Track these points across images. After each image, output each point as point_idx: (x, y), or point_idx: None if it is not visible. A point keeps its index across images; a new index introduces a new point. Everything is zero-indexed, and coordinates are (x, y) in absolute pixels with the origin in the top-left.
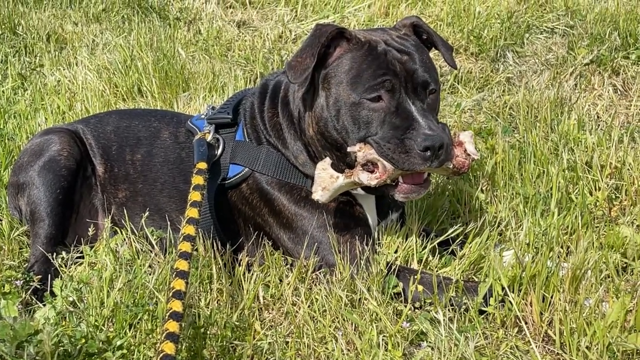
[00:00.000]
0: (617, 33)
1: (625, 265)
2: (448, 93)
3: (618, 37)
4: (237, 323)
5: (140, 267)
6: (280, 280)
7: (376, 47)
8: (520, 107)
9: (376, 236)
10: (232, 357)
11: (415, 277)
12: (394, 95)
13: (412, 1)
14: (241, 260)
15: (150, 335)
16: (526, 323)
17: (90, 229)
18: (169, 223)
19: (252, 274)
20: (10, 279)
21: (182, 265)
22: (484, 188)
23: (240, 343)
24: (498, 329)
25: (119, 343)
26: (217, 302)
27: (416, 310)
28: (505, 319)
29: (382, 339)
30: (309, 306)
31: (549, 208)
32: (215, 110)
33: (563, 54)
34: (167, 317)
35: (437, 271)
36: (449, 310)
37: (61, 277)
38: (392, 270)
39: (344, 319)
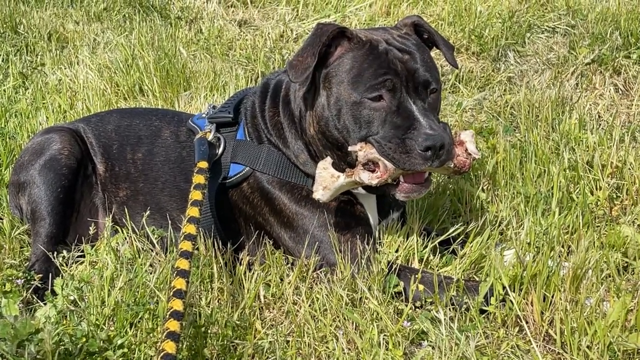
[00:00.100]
0: (618, 32)
1: (626, 264)
2: (449, 92)
3: (619, 36)
4: (238, 322)
5: (141, 266)
6: (281, 280)
7: (377, 46)
8: (521, 107)
9: (377, 235)
10: (233, 356)
11: (416, 276)
12: (395, 95)
13: (414, 0)
14: (242, 259)
15: (151, 334)
16: (527, 322)
17: (91, 228)
18: (169, 222)
19: (253, 273)
20: (11, 278)
21: (183, 264)
22: (485, 187)
23: (241, 342)
24: (499, 328)
25: (119, 342)
26: (218, 301)
27: (417, 309)
28: (506, 318)
29: (383, 338)
30: (309, 305)
31: (550, 207)
32: (216, 110)
33: (564, 54)
34: (168, 316)
35: (438, 270)
36: (449, 309)
37: (62, 276)
38: (393, 269)
39: (344, 318)
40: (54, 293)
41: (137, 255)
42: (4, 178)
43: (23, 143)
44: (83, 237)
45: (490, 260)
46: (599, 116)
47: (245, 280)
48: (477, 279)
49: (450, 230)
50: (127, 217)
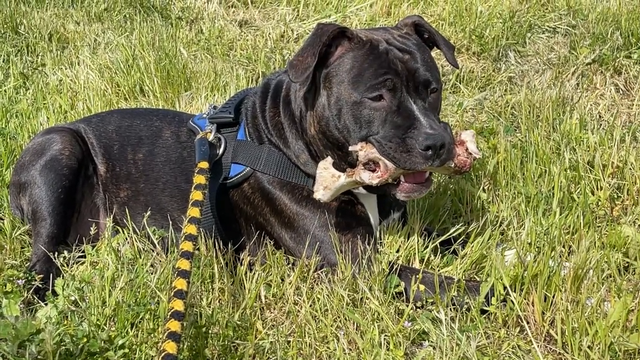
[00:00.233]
0: (619, 32)
1: (627, 264)
2: (450, 92)
3: (620, 36)
4: (238, 322)
5: (142, 266)
6: (282, 280)
7: (378, 46)
8: (522, 107)
9: (378, 235)
10: (233, 356)
11: (417, 276)
12: (396, 94)
13: (414, 0)
14: (243, 259)
15: (152, 335)
16: (528, 322)
17: (92, 228)
18: (170, 222)
19: (254, 274)
20: (12, 278)
21: (184, 264)
22: (485, 187)
23: (242, 342)
24: (500, 328)
25: (120, 342)
26: (219, 302)
27: (418, 309)
28: (507, 318)
29: (384, 339)
30: (310, 305)
31: (550, 207)
32: (217, 110)
33: (565, 54)
34: (168, 317)
35: (438, 270)
36: (450, 309)
37: (63, 276)
38: (393, 269)
39: (345, 319)
40: (54, 293)
41: (138, 256)
42: (5, 178)
43: (24, 143)
44: (84, 238)
45: (491, 261)
46: (600, 116)
47: (246, 280)
48: (478, 279)
49: (451, 231)
50: (128, 217)
